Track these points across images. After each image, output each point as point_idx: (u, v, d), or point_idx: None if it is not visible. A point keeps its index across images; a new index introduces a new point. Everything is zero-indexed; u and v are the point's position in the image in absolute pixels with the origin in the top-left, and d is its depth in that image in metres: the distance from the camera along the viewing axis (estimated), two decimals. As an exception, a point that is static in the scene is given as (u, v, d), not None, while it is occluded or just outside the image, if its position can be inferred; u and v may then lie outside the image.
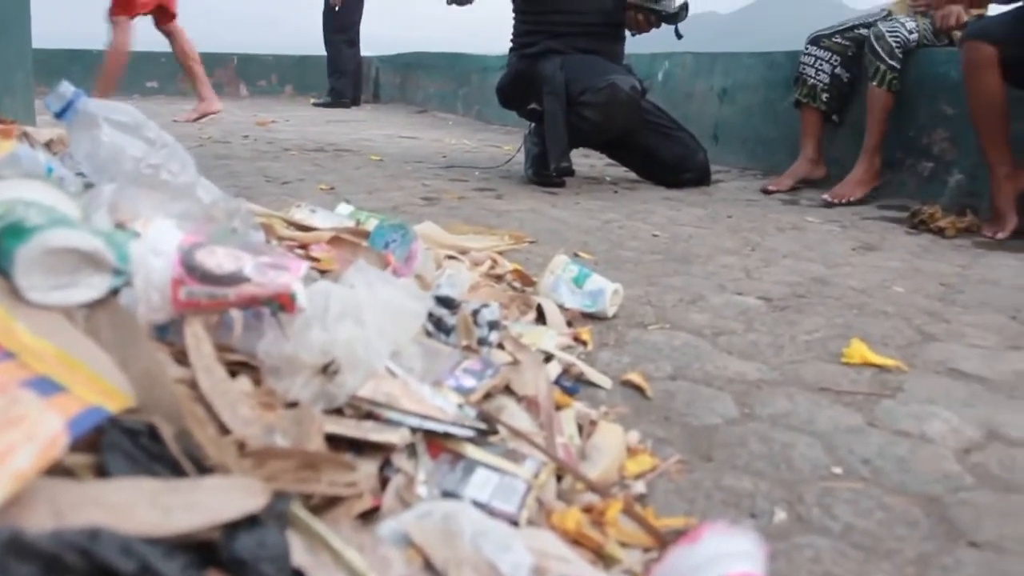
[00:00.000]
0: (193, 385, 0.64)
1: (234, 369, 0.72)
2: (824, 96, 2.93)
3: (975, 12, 2.76)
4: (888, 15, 2.86)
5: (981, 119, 2.38)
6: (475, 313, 0.98)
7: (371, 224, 1.44)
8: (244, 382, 0.69)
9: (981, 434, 0.99)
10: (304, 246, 1.18)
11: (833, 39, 2.91)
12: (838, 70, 2.91)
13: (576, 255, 1.80)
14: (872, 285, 1.68)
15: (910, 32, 2.72)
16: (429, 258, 1.23)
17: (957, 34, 2.73)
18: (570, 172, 2.82)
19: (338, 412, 0.72)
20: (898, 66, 2.70)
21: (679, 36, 2.90)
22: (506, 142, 4.39)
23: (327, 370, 0.71)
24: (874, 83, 2.74)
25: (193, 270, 0.69)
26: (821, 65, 2.92)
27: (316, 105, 7.51)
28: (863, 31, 2.83)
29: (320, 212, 1.42)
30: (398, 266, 1.12)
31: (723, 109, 3.73)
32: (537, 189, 2.78)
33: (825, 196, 2.76)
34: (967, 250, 2.12)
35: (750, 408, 1.03)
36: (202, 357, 0.65)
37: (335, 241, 1.16)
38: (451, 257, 1.38)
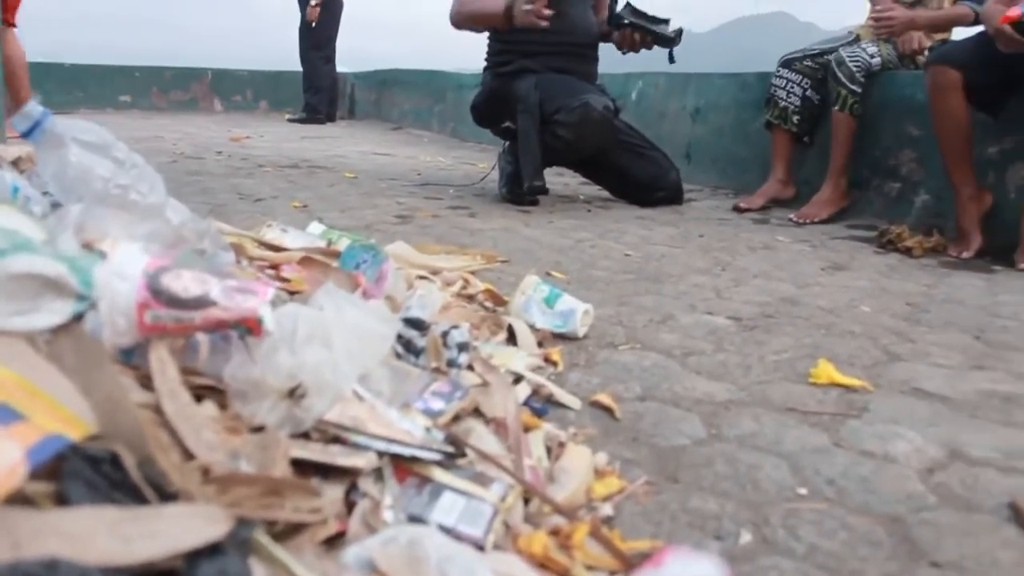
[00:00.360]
0: (158, 410, 0.64)
1: (200, 393, 0.72)
2: (795, 118, 2.98)
3: (939, 37, 2.84)
4: (855, 39, 2.92)
5: (946, 141, 2.43)
6: (445, 335, 0.98)
7: (342, 244, 1.44)
8: (210, 406, 0.69)
9: (944, 454, 1.00)
10: (275, 266, 1.18)
11: (804, 63, 2.96)
12: (808, 92, 2.96)
13: (548, 275, 1.81)
14: (840, 305, 1.70)
15: (872, 57, 2.77)
16: (400, 278, 1.23)
17: (920, 58, 2.79)
18: (544, 191, 2.84)
19: (305, 436, 0.72)
20: (859, 90, 2.75)
21: (672, 60, 2.92)
22: (481, 159, 4.41)
23: (294, 394, 0.71)
24: (836, 107, 2.79)
25: (159, 294, 0.69)
26: (792, 88, 2.96)
27: (291, 121, 7.50)
28: (830, 56, 2.88)
29: (291, 232, 1.42)
30: (369, 287, 1.12)
31: (695, 129, 3.78)
32: (511, 208, 2.79)
33: (792, 216, 2.81)
34: (933, 270, 2.16)
35: (717, 429, 1.04)
36: (167, 382, 0.65)
37: (305, 262, 1.16)
38: (423, 277, 1.38)
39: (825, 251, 2.33)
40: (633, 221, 2.64)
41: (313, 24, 7.05)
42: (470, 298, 1.44)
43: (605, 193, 3.17)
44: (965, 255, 2.32)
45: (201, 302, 0.69)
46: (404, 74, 7.84)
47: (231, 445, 0.65)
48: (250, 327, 0.71)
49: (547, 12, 2.65)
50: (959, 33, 2.87)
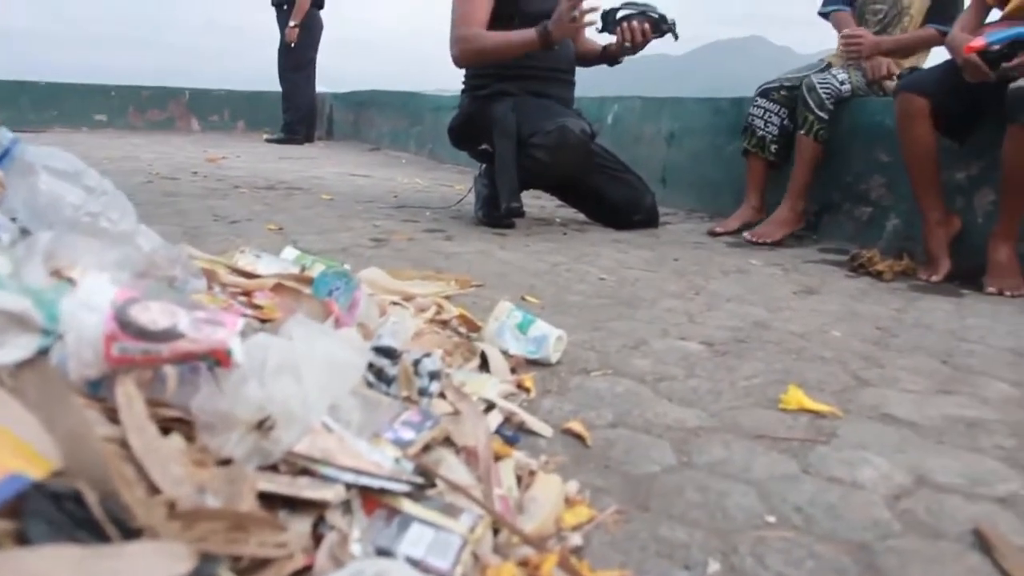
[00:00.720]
0: (124, 444, 0.64)
1: (168, 425, 0.72)
2: (773, 148, 3.00)
3: (907, 65, 2.90)
4: (827, 66, 2.97)
5: (914, 168, 2.47)
6: (416, 363, 0.98)
7: (316, 270, 1.44)
8: (177, 439, 0.69)
9: (910, 480, 1.01)
10: (247, 293, 1.18)
11: (780, 92, 2.99)
12: (786, 122, 2.99)
13: (523, 299, 1.82)
14: (811, 329, 1.72)
15: (842, 84, 2.82)
16: (373, 305, 1.24)
17: (889, 84, 2.85)
18: (520, 213, 2.85)
19: (273, 468, 0.72)
20: (826, 117, 2.80)
21: (676, 37, 2.87)
22: (458, 181, 4.42)
23: (262, 426, 0.71)
24: (802, 132, 2.84)
25: (127, 326, 0.69)
26: (770, 117, 2.99)
27: (269, 141, 7.49)
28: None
29: (264, 257, 1.41)
30: (341, 314, 1.12)
31: (671, 153, 3.82)
32: (487, 231, 2.80)
33: (747, 235, 2.86)
34: (903, 293, 2.19)
35: (688, 456, 1.05)
36: (133, 416, 0.65)
37: (278, 289, 1.16)
38: (396, 303, 1.38)
39: (797, 275, 2.35)
40: (609, 244, 2.66)
41: (292, 45, 7.06)
42: (444, 324, 1.44)
43: (581, 216, 3.19)
44: (934, 279, 2.36)
45: (169, 334, 0.69)
46: (382, 95, 7.87)
47: (198, 478, 0.64)
48: (219, 359, 0.71)
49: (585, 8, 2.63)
50: (931, 60, 2.94)
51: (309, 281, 1.24)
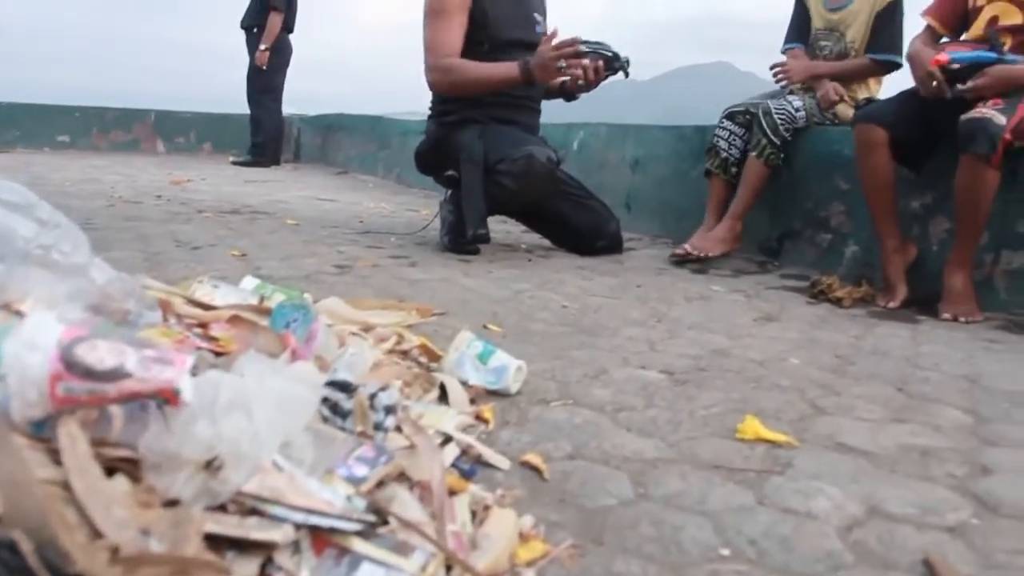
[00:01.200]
0: (66, 486, 0.62)
1: (115, 465, 0.71)
2: (733, 170, 3.05)
3: (863, 96, 2.97)
4: (789, 92, 3.03)
5: (872, 196, 2.52)
6: (372, 397, 0.98)
7: (275, 300, 1.43)
8: (122, 481, 0.68)
9: (863, 510, 1.02)
10: (203, 325, 1.17)
11: (745, 115, 3.04)
12: (748, 145, 3.03)
13: (485, 327, 1.82)
14: (770, 357, 1.74)
15: (797, 111, 2.89)
16: (331, 337, 1.23)
17: (843, 110, 2.93)
18: (486, 239, 2.86)
19: (221, 509, 0.71)
20: (779, 142, 2.86)
21: (627, 75, 2.91)
22: (425, 206, 4.43)
23: (211, 465, 0.70)
24: (754, 154, 2.90)
25: (73, 366, 0.68)
26: (734, 140, 3.04)
27: (235, 164, 7.45)
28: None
29: (223, 287, 1.40)
30: (298, 347, 1.11)
31: (635, 179, 3.85)
32: (452, 257, 2.80)
33: (685, 246, 2.89)
34: (861, 320, 2.22)
35: (645, 488, 1.05)
36: (76, 457, 0.64)
37: (235, 320, 1.15)
38: (355, 334, 1.38)
39: (758, 301, 2.38)
40: (573, 271, 2.67)
41: (262, 68, 7.04)
42: (404, 354, 1.44)
43: (546, 242, 3.20)
44: (891, 305, 2.40)
45: (116, 374, 0.69)
46: (350, 119, 7.87)
47: (142, 521, 0.63)
48: (167, 398, 0.70)
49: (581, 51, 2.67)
50: (887, 90, 3.02)
51: (267, 312, 1.24)
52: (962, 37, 2.50)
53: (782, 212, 3.00)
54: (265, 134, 7.37)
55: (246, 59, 7.19)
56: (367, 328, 1.42)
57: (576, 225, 3.04)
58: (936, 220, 2.62)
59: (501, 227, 3.46)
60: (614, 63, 2.82)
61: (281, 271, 2.34)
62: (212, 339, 1.12)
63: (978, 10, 2.44)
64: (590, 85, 2.87)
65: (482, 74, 2.80)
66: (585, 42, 2.81)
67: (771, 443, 1.23)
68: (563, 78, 2.72)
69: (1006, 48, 2.30)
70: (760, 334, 1.96)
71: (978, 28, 2.41)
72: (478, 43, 2.86)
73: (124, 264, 2.29)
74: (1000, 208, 2.38)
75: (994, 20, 2.38)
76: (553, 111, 3.70)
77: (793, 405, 1.42)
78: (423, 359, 1.44)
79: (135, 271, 2.16)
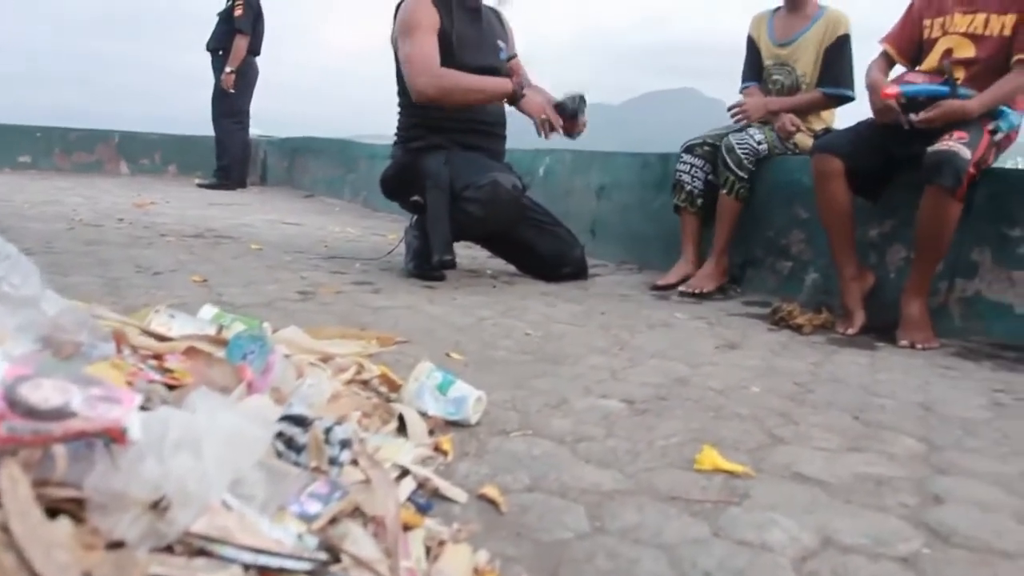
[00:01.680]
0: (6, 530, 0.61)
1: (58, 506, 0.69)
2: (699, 202, 3.09)
3: (820, 126, 3.05)
4: (746, 125, 3.09)
5: (830, 225, 2.57)
6: (327, 431, 0.97)
7: (234, 329, 1.42)
8: (65, 523, 0.66)
9: (817, 541, 1.03)
10: (158, 357, 1.15)
11: (704, 147, 3.10)
12: (711, 177, 3.09)
13: (448, 356, 1.81)
14: (731, 385, 1.75)
15: (759, 144, 2.95)
16: (289, 368, 1.22)
17: (802, 139, 2.99)
18: (452, 265, 2.86)
19: (168, 550, 0.70)
20: (745, 176, 2.92)
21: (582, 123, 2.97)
22: (391, 230, 4.42)
23: (157, 506, 0.69)
24: (724, 191, 2.96)
25: (16, 405, 0.67)
26: (696, 172, 3.09)
27: (200, 186, 7.39)
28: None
29: (180, 317, 1.39)
30: (254, 379, 1.10)
31: (600, 205, 3.89)
32: (416, 283, 2.80)
33: (682, 288, 2.95)
34: (821, 347, 2.25)
35: (601, 521, 1.05)
36: (17, 500, 0.62)
37: (190, 352, 1.14)
38: (314, 364, 1.37)
39: (721, 328, 2.40)
40: (537, 297, 2.68)
41: (228, 90, 7.02)
42: (364, 384, 1.43)
43: (512, 267, 3.21)
44: (850, 332, 2.44)
45: (61, 413, 0.67)
46: (317, 142, 7.85)
47: (86, 564, 0.62)
48: (114, 437, 0.69)
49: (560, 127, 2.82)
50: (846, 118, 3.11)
51: (224, 343, 1.22)
52: (917, 67, 2.57)
53: (744, 239, 3.05)
54: (230, 157, 7.33)
55: (212, 81, 7.17)
56: (326, 358, 1.42)
57: (541, 251, 3.05)
58: (893, 248, 2.67)
59: (467, 252, 3.46)
60: (568, 107, 2.89)
61: (243, 298, 2.32)
62: (167, 371, 1.11)
63: (933, 42, 2.51)
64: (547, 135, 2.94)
65: (474, 83, 2.83)
66: (564, 108, 2.87)
67: (728, 473, 1.24)
68: (540, 125, 2.83)
69: (959, 80, 2.37)
70: (721, 362, 1.98)
71: (933, 60, 2.48)
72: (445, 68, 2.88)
73: (83, 290, 2.27)
74: (955, 237, 2.43)
75: (948, 52, 2.45)
76: (519, 137, 3.73)
77: (751, 434, 1.43)
78: (383, 389, 1.44)
79: (94, 297, 2.14)
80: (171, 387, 1.04)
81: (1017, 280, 2.38)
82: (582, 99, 2.90)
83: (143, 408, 0.81)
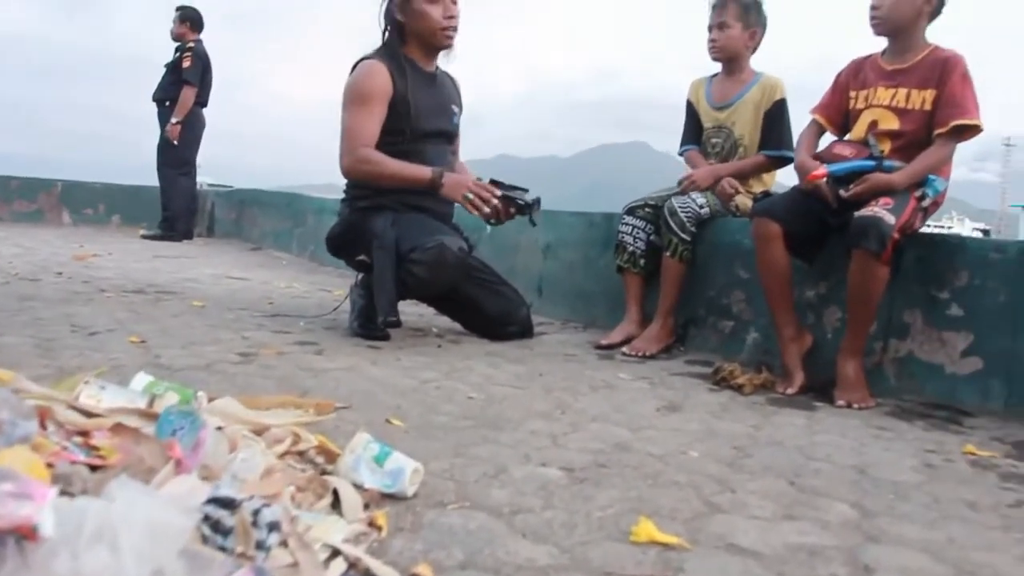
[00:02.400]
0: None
1: (-36, 605, 0.67)
2: (642, 262, 3.15)
3: (759, 189, 3.14)
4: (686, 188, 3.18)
5: (769, 286, 2.63)
6: (256, 513, 0.95)
7: (168, 399, 1.40)
8: (-31, 627, 0.64)
9: (749, 617, 1.04)
10: (84, 433, 1.13)
11: (645, 209, 3.17)
12: (652, 237, 3.15)
13: (388, 422, 1.80)
14: (670, 450, 1.76)
15: (701, 207, 3.02)
16: (221, 442, 1.20)
17: (742, 201, 3.08)
18: (397, 324, 2.85)
19: (79, 651, 0.67)
20: (689, 239, 2.99)
21: (533, 224, 3.03)
22: (338, 285, 4.39)
23: (69, 605, 0.67)
24: (668, 253, 3.01)
25: (-79, 502, 0.64)
26: (638, 233, 3.15)
27: (145, 237, 7.28)
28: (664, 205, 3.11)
29: (110, 389, 1.36)
30: (183, 456, 1.08)
31: (547, 263, 3.92)
32: (360, 342, 2.78)
33: (624, 350, 2.97)
34: (760, 408, 2.28)
35: (535, 600, 1.05)
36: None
37: (118, 429, 1.11)
38: (248, 436, 1.34)
39: (663, 389, 2.43)
40: (482, 358, 2.68)
41: (174, 141, 6.97)
42: (301, 455, 1.41)
43: (458, 325, 3.21)
44: (790, 392, 2.48)
45: (-31, 510, 0.65)
46: (265, 195, 7.82)
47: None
48: (25, 535, 0.67)
49: (496, 197, 2.81)
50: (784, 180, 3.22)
51: (154, 417, 1.20)
52: (846, 137, 2.67)
53: (687, 299, 3.10)
54: (176, 208, 7.26)
55: (158, 131, 7.12)
56: (261, 430, 1.39)
57: (487, 311, 3.06)
58: (829, 309, 2.74)
59: (413, 309, 3.45)
60: (524, 210, 2.94)
61: (181, 360, 2.28)
62: (93, 449, 1.08)
63: (858, 113, 2.62)
64: (499, 222, 2.97)
65: (395, 170, 2.84)
66: (502, 185, 2.92)
67: (664, 546, 1.24)
68: (468, 206, 2.81)
69: (885, 152, 2.47)
70: (662, 425, 1.99)
71: (859, 130, 2.59)
72: (399, 132, 2.91)
73: (13, 352, 2.21)
74: (887, 299, 2.51)
75: (874, 124, 2.56)
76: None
77: (688, 503, 1.44)
78: (320, 460, 1.42)
79: (24, 360, 2.09)
80: (96, 468, 1.02)
81: (947, 340, 2.46)
82: (537, 201, 2.95)
83: (63, 493, 0.79)
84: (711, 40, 3.19)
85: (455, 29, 2.95)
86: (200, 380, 2.06)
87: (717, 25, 3.17)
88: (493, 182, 2.94)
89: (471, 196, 2.78)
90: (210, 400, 1.52)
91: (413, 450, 1.58)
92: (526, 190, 2.95)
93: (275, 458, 1.29)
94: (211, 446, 1.14)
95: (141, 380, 1.49)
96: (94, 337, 2.53)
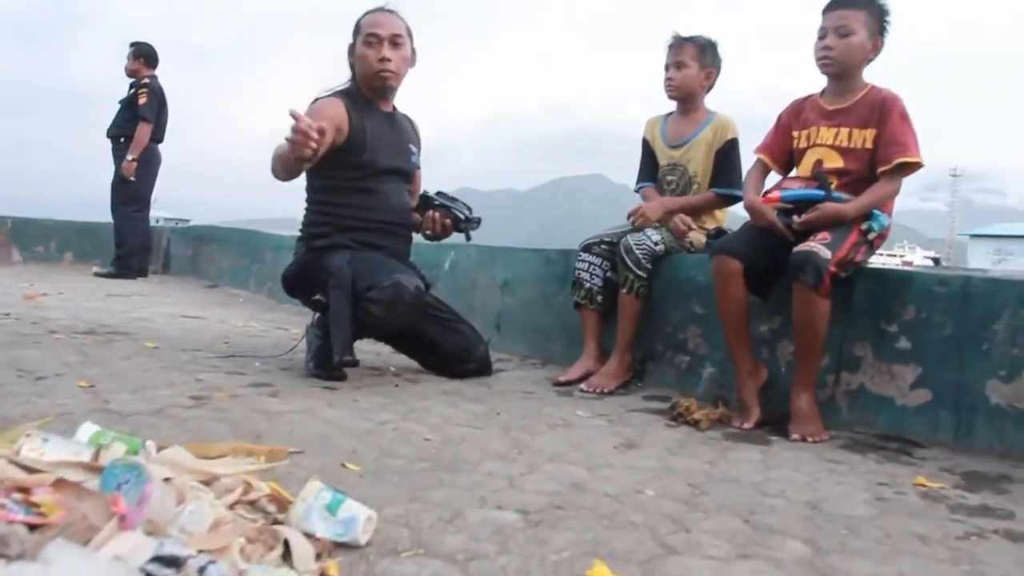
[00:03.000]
0: None
1: None
2: (599, 298, 3.18)
3: (712, 225, 3.20)
4: (645, 225, 3.22)
5: (727, 322, 2.67)
6: (201, 571, 0.93)
7: (114, 449, 1.37)
8: None
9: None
10: (25, 490, 1.10)
11: (601, 246, 3.21)
12: (609, 274, 3.18)
13: (343, 466, 1.78)
14: (626, 490, 1.77)
15: (656, 244, 3.06)
16: (168, 494, 1.18)
17: (698, 237, 3.12)
18: (354, 364, 2.83)
19: None
20: (645, 275, 3.02)
21: (468, 238, 3.07)
22: (296, 323, 4.35)
23: (1, 677, 0.65)
24: (624, 290, 3.04)
25: None
26: (594, 270, 3.18)
27: (98, 275, 7.15)
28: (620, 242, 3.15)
29: (53, 441, 1.32)
30: (128, 511, 1.06)
31: (505, 300, 3.93)
32: (317, 383, 2.75)
33: (582, 387, 2.99)
34: (717, 443, 2.30)
35: (488, 651, 1.04)
36: None
37: (60, 484, 1.08)
38: (197, 486, 1.32)
39: (620, 426, 2.43)
40: (440, 397, 2.66)
41: (130, 178, 6.88)
42: (252, 503, 1.39)
43: (416, 363, 3.20)
44: (746, 426, 2.51)
45: None
46: (222, 231, 7.74)
47: None
48: (-46, 605, 0.65)
49: (315, 131, 2.46)
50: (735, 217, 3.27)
51: (99, 470, 1.18)
52: (792, 173, 2.74)
53: (645, 334, 3.12)
54: (130, 245, 7.14)
55: (113, 167, 7.03)
56: (211, 479, 1.37)
57: (445, 348, 3.06)
58: (782, 344, 2.77)
59: (371, 348, 3.43)
60: (460, 223, 2.99)
61: (132, 405, 2.23)
62: (33, 506, 1.05)
63: (802, 152, 2.69)
64: (437, 236, 3.02)
65: (280, 153, 2.67)
66: (445, 197, 2.95)
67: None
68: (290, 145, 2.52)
69: (833, 187, 2.53)
70: (619, 463, 2.00)
71: (805, 169, 2.66)
72: (358, 167, 2.92)
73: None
74: (838, 332, 2.56)
75: (819, 163, 2.63)
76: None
77: (644, 544, 1.44)
78: (272, 508, 1.39)
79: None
80: (35, 527, 0.99)
81: (896, 373, 2.51)
82: (477, 220, 3.01)
83: (-1, 556, 0.77)
84: (668, 79, 3.25)
85: (390, 72, 2.97)
86: (151, 426, 2.02)
87: (674, 64, 3.23)
88: (439, 194, 2.97)
89: (292, 137, 2.46)
90: (159, 449, 1.49)
91: (368, 496, 1.56)
92: (470, 208, 2.98)
93: (224, 509, 1.27)
94: (157, 499, 1.12)
95: (87, 430, 1.46)
96: (41, 382, 2.47)
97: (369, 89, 3.03)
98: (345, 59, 3.07)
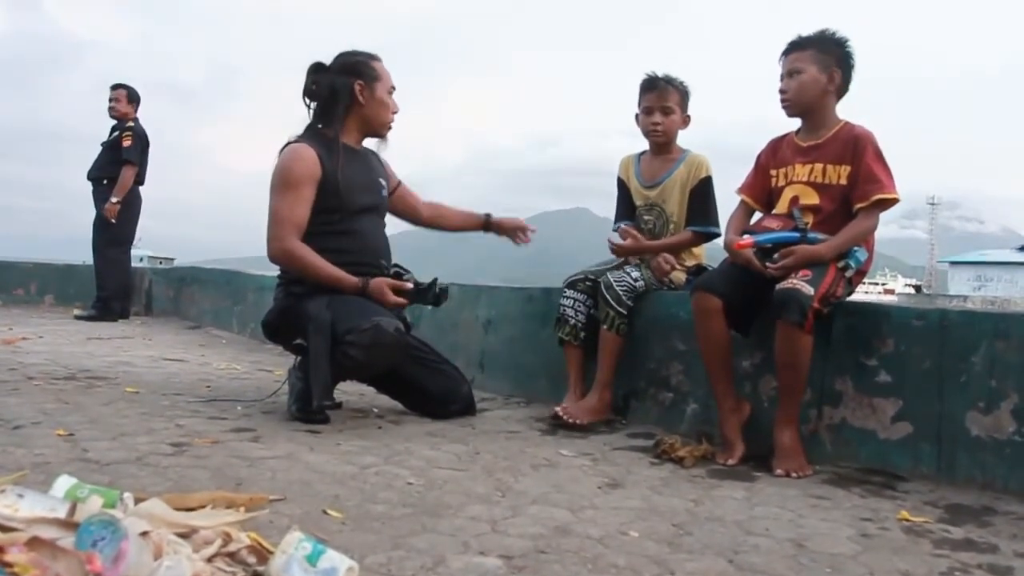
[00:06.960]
0: None
1: None
2: (583, 335, 3.18)
3: (691, 263, 3.22)
4: (623, 263, 3.24)
5: (709, 359, 2.68)
6: (177, 630, 0.92)
7: (91, 503, 1.36)
8: None
9: None
10: (-2, 548, 1.08)
11: (585, 283, 3.22)
12: (593, 311, 3.19)
13: (325, 513, 1.77)
14: (610, 531, 1.76)
15: (636, 281, 3.08)
16: (145, 550, 1.16)
17: (679, 275, 3.15)
18: (336, 406, 2.82)
19: None
20: (625, 312, 3.03)
21: (437, 305, 3.13)
22: (279, 364, 4.33)
23: None
24: (605, 327, 3.06)
25: None
26: (578, 307, 3.19)
27: (79, 318, 7.08)
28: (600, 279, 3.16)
29: (29, 496, 1.31)
30: (104, 569, 1.05)
31: (488, 339, 3.93)
32: (299, 427, 2.73)
33: (556, 409, 2.99)
34: (701, 481, 2.30)
35: None
36: None
37: (34, 543, 1.07)
38: (175, 540, 1.30)
39: (605, 465, 2.43)
40: (423, 439, 2.65)
41: (112, 220, 6.85)
42: (232, 555, 1.37)
43: (399, 404, 3.18)
44: (730, 462, 2.51)
45: None
46: (204, 272, 7.72)
47: None
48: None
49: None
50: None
51: (74, 527, 1.16)
52: (772, 212, 2.77)
53: (628, 372, 3.13)
54: (111, 287, 7.09)
55: (93, 210, 6.99)
56: (189, 532, 1.35)
57: (429, 390, 3.05)
58: (765, 379, 2.79)
59: (354, 388, 3.41)
60: (414, 296, 3.02)
61: (111, 453, 2.21)
62: (6, 566, 1.04)
63: (780, 190, 2.73)
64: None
65: (322, 272, 2.89)
66: (400, 275, 3.03)
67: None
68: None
69: (808, 225, 2.57)
70: (603, 504, 1.99)
71: (782, 206, 2.70)
72: (333, 210, 2.94)
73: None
74: (819, 367, 2.57)
75: (796, 200, 2.66)
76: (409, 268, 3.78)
77: (627, 588, 1.44)
78: (252, 560, 1.38)
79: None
80: (8, 587, 0.98)
81: (877, 406, 2.52)
82: (431, 284, 3.06)
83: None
84: (654, 124, 3.23)
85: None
86: (130, 475, 2.00)
87: (660, 109, 3.22)
88: (396, 266, 3.07)
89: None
90: (137, 501, 1.48)
91: (350, 543, 1.55)
92: (435, 280, 3.04)
93: (203, 562, 1.26)
94: (134, 556, 1.10)
95: (64, 484, 1.45)
96: (18, 431, 2.43)
97: (364, 131, 3.10)
98: (306, 91, 3.07)
